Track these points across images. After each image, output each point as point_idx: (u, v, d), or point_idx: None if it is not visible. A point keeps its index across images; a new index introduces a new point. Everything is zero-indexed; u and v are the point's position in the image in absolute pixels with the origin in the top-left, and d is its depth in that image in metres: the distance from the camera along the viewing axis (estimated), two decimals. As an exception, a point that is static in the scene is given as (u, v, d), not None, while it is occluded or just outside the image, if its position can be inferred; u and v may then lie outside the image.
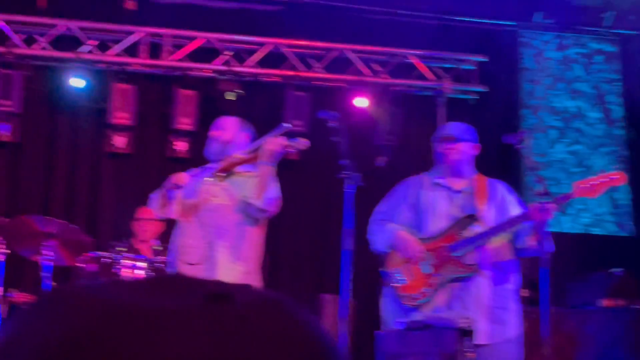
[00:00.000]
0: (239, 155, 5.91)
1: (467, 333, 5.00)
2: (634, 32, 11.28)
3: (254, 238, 5.91)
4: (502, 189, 5.77)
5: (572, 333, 8.29)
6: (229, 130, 6.06)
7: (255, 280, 5.85)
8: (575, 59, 11.42)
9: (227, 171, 5.90)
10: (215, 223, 5.79)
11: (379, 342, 5.30)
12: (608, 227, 11.08)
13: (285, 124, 5.95)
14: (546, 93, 11.29)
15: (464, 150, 5.71)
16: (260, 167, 5.72)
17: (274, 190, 5.79)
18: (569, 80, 11.36)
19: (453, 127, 5.79)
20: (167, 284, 0.93)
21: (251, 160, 5.87)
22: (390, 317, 5.58)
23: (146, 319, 0.84)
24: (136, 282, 0.95)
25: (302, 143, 5.85)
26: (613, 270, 9.09)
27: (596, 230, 11.02)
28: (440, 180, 5.73)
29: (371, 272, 10.02)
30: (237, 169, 5.91)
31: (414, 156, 10.51)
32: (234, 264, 5.76)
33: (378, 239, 5.74)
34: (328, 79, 10.47)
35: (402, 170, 10.19)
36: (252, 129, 6.18)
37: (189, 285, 0.91)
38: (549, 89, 11.31)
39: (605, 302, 8.60)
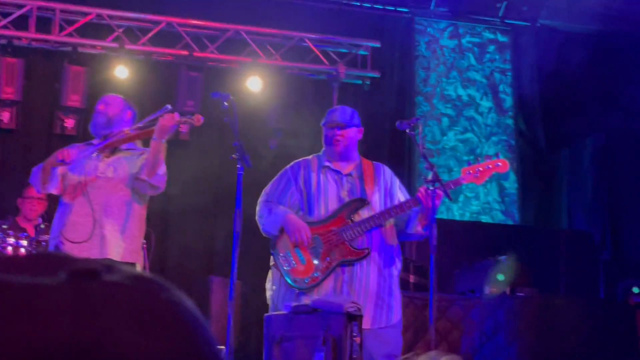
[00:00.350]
0: (126, 131, 5.83)
1: (355, 317, 5.00)
2: (526, 24, 11.45)
3: (140, 216, 5.86)
4: (387, 173, 5.81)
5: (458, 319, 8.39)
6: (114, 106, 5.97)
7: (139, 258, 5.82)
8: (468, 48, 11.55)
9: (113, 147, 5.82)
10: (102, 200, 5.70)
11: (266, 325, 5.27)
12: (496, 215, 11.25)
13: (169, 106, 5.87)
14: (439, 81, 11.39)
15: (351, 135, 5.73)
16: (152, 144, 5.66)
17: (164, 167, 5.74)
18: (462, 68, 11.48)
19: (341, 113, 5.77)
20: (38, 261, 0.89)
21: (138, 137, 5.83)
22: (279, 300, 5.56)
23: (8, 294, 0.82)
24: (6, 259, 0.91)
25: (197, 119, 5.80)
26: (499, 257, 9.23)
27: (485, 218, 11.19)
28: (329, 164, 5.73)
29: (263, 254, 10.04)
30: (122, 146, 5.84)
31: (307, 139, 10.51)
32: (122, 241, 5.71)
33: (267, 222, 5.71)
34: (222, 60, 10.38)
35: (294, 153, 10.20)
36: (136, 109, 6.10)
37: (59, 263, 0.88)
38: (443, 76, 11.42)
39: (491, 289, 8.73)
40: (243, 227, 5.74)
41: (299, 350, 5.06)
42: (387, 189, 5.72)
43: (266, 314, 5.40)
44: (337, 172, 5.71)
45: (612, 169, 11.03)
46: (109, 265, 0.87)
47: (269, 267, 9.95)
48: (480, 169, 5.65)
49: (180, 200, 10.12)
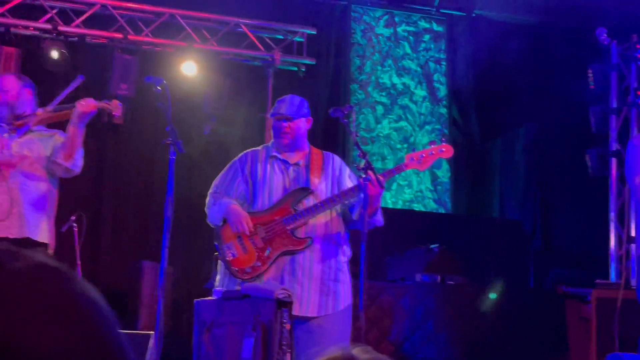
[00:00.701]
0: (40, 113, 5.81)
1: (285, 304, 5.01)
2: (461, 14, 11.53)
3: (54, 197, 5.88)
4: (337, 162, 5.80)
5: (388, 306, 8.45)
6: (11, 91, 5.91)
7: (52, 239, 5.82)
8: (404, 37, 11.60)
9: (20, 126, 5.80)
10: (19, 179, 5.70)
11: (197, 311, 5.26)
12: (428, 204, 11.33)
13: (81, 76, 5.84)
14: (374, 69, 11.43)
15: (299, 126, 5.71)
16: (70, 128, 5.66)
17: (82, 151, 5.74)
18: (397, 57, 11.53)
19: (288, 105, 5.74)
20: None
21: (52, 119, 5.81)
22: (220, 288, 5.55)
23: None
24: None
25: (115, 105, 5.78)
26: (431, 246, 9.31)
27: (417, 207, 11.26)
28: (277, 154, 5.72)
29: (196, 240, 10.01)
30: (35, 128, 5.84)
31: (242, 125, 10.49)
32: (39, 220, 5.74)
33: (212, 213, 5.69)
34: (157, 44, 10.30)
35: (229, 139, 10.20)
36: (33, 84, 6.04)
37: None
38: (378, 64, 11.46)
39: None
40: (176, 213, 5.73)
41: (228, 336, 5.06)
42: (335, 178, 5.71)
43: (196, 300, 5.39)
44: (284, 161, 5.70)
45: (544, 159, 11.16)
46: (14, 252, 0.86)
47: (201, 253, 9.94)
48: (424, 155, 5.66)
49: (113, 184, 10.06)
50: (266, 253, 5.51)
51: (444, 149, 5.71)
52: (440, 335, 8.49)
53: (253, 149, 5.90)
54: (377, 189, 5.35)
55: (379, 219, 5.58)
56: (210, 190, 5.79)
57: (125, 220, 10.19)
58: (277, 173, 5.67)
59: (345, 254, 5.69)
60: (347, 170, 5.76)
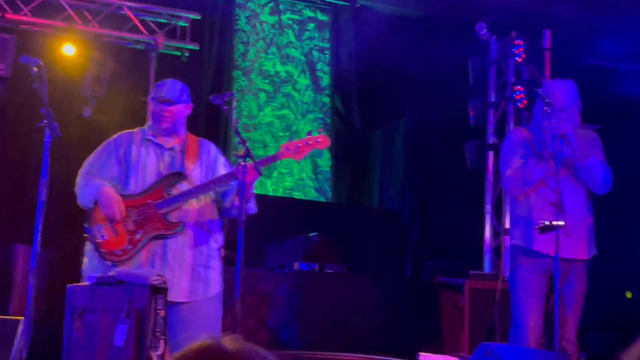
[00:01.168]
0: None
1: (159, 290, 4.97)
2: (346, 4, 11.58)
3: None
4: (212, 149, 5.79)
5: (267, 294, 8.45)
6: None
7: None
8: (288, 25, 11.60)
9: None
10: None
11: (69, 296, 5.18)
12: (309, 192, 11.37)
13: None
14: (258, 56, 11.41)
15: (179, 111, 5.68)
16: None
17: None
18: (281, 45, 11.53)
19: (170, 89, 5.69)
20: None
21: None
22: (91, 272, 5.47)
23: None
24: None
25: None
26: (310, 234, 9.35)
27: (298, 195, 11.29)
28: (152, 137, 5.67)
29: (72, 224, 9.85)
30: None
31: (123, 109, 10.36)
32: None
33: (83, 194, 5.60)
34: (36, 24, 10.08)
35: (108, 122, 10.05)
36: None
37: None
38: (262, 52, 11.44)
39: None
40: (52, 196, 5.62)
41: (101, 322, 4.99)
42: (210, 165, 5.70)
43: (69, 285, 5.31)
44: (160, 145, 5.65)
45: (423, 151, 11.30)
46: None
47: (78, 237, 9.76)
48: (300, 144, 5.67)
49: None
50: (137, 236, 5.46)
51: (320, 140, 5.74)
52: (319, 323, 8.54)
53: (129, 130, 5.83)
54: (252, 176, 5.35)
55: (252, 206, 5.59)
56: (82, 170, 5.70)
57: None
58: (151, 156, 5.63)
59: (217, 240, 5.68)
60: (221, 159, 5.75)
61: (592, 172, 6.10)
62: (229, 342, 1.52)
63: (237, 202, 5.52)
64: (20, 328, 5.60)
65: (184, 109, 5.70)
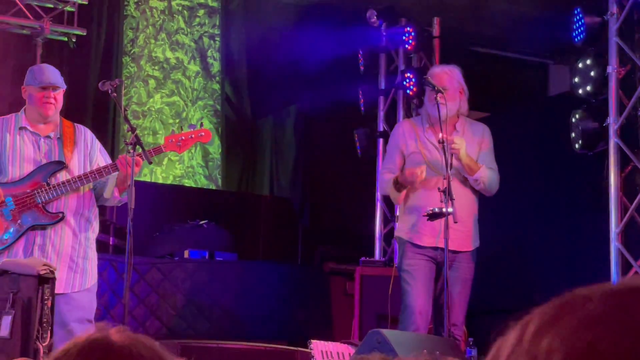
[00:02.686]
0: None
1: (47, 280, 4.90)
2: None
3: None
4: (88, 136, 5.73)
5: (157, 282, 8.39)
6: None
7: None
8: (178, 11, 11.50)
9: None
10: None
11: (-49, 287, 5.06)
12: (199, 180, 11.32)
13: None
14: (147, 42, 11.29)
15: (62, 97, 5.61)
16: None
17: None
18: (171, 31, 11.43)
19: (53, 74, 5.60)
20: None
21: None
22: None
23: None
24: None
25: None
26: (200, 222, 9.31)
27: (188, 182, 11.22)
28: (27, 125, 5.56)
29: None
30: None
31: (7, 96, 10.14)
32: None
33: None
34: None
35: (-7, 110, 9.83)
36: None
37: None
38: (151, 38, 11.32)
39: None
40: None
41: (-15, 314, 4.90)
42: (88, 152, 5.64)
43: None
44: (35, 134, 5.57)
45: (314, 138, 11.34)
46: None
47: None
48: (183, 137, 5.70)
49: None
50: (15, 226, 5.39)
51: (203, 134, 5.79)
52: (209, 311, 8.52)
53: (1, 117, 5.72)
54: (135, 168, 5.33)
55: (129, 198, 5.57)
56: None
57: None
58: (27, 145, 5.54)
59: (94, 230, 5.66)
60: (98, 145, 5.72)
61: (480, 183, 6.27)
62: (115, 334, 1.50)
63: (116, 194, 5.50)
64: None
65: (61, 96, 5.65)
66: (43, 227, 5.42)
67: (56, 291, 5.30)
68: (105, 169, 5.47)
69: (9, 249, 5.37)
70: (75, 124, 5.75)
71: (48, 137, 5.59)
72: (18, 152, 5.52)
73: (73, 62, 10.06)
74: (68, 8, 10.42)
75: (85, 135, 5.72)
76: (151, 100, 11.19)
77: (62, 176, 5.49)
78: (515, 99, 10.88)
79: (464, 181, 6.34)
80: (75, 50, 10.40)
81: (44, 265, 4.94)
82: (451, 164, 6.01)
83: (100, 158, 5.65)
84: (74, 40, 10.39)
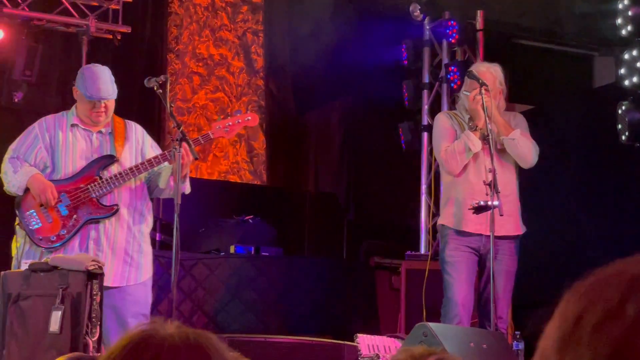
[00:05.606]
0: None
1: (95, 276, 4.95)
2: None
3: None
4: (139, 131, 5.79)
5: (203, 277, 8.43)
6: None
7: None
8: (221, 7, 11.54)
9: None
10: None
11: (2, 283, 5.13)
12: (244, 175, 11.35)
13: None
14: (191, 39, 11.34)
15: (112, 105, 5.67)
16: None
17: None
18: (214, 27, 11.47)
19: (104, 87, 5.62)
20: None
21: None
22: (23, 259, 5.44)
23: None
24: None
25: None
26: (245, 217, 9.34)
27: (232, 178, 11.27)
28: (79, 122, 5.63)
29: (9, 211, 9.73)
30: None
31: (54, 94, 10.25)
32: None
33: (12, 181, 5.55)
34: (-35, 7, 9.90)
35: (39, 108, 9.93)
36: None
37: None
38: (195, 35, 11.37)
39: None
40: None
41: (36, 309, 4.96)
42: (139, 147, 5.70)
43: (3, 271, 5.26)
44: (87, 130, 5.63)
45: (358, 133, 11.32)
46: None
47: (5, 224, 9.65)
48: (230, 123, 5.73)
49: None
50: (71, 221, 5.45)
51: (249, 118, 5.81)
52: (255, 306, 8.54)
53: (54, 115, 5.79)
54: (188, 158, 5.37)
55: (187, 186, 5.61)
56: (8, 155, 5.65)
57: None
58: (79, 141, 5.60)
59: (148, 224, 5.70)
60: (149, 139, 5.76)
61: (516, 144, 6.23)
62: (170, 327, 1.51)
63: (172, 183, 5.53)
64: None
65: (114, 99, 5.71)
66: (98, 221, 5.48)
67: (112, 284, 5.38)
68: (156, 159, 5.52)
69: (65, 244, 5.43)
70: (126, 120, 5.81)
71: (100, 132, 5.65)
72: (71, 149, 5.59)
73: (118, 60, 10.12)
74: (113, 6, 10.50)
75: (136, 130, 5.78)
76: (196, 96, 11.24)
77: (114, 170, 5.55)
78: (560, 91, 10.79)
79: (506, 165, 6.33)
80: (120, 48, 10.48)
81: (93, 260, 5.00)
82: (493, 154, 5.99)
83: (152, 152, 5.70)
84: (118, 37, 10.48)
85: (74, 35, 10.35)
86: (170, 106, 5.46)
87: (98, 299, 4.94)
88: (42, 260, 5.22)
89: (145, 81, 5.57)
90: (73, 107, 5.72)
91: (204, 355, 1.46)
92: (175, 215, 5.29)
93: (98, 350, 4.84)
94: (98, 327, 4.94)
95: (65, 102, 10.19)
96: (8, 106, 9.84)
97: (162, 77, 5.62)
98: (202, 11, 11.44)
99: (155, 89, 5.53)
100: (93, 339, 4.88)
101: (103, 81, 5.62)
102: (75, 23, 10.32)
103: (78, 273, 4.93)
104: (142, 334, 1.48)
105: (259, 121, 5.89)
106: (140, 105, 10.05)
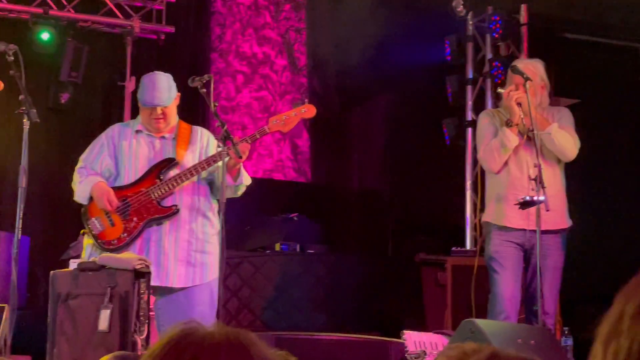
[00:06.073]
0: None
1: (142, 274, 4.99)
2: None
3: None
4: (204, 135, 5.84)
5: (249, 275, 8.46)
6: None
7: None
8: (264, 6, 11.56)
9: None
10: None
11: (52, 282, 5.19)
12: (288, 173, 11.37)
13: None
14: (235, 38, 11.37)
15: (172, 108, 5.71)
16: None
17: None
18: (257, 26, 11.49)
19: (161, 92, 5.65)
20: None
21: None
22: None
23: None
24: None
25: None
26: (290, 215, 9.35)
27: (277, 176, 11.28)
28: (142, 129, 5.69)
29: (55, 212, 9.82)
30: None
31: (101, 94, 10.34)
32: None
33: (78, 191, 5.67)
34: (11, 10, 10.01)
35: (86, 108, 10.03)
36: None
37: None
38: (238, 33, 11.40)
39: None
40: (33, 183, 5.65)
41: (84, 308, 5.00)
42: (203, 150, 5.74)
43: (52, 271, 5.32)
44: (150, 135, 5.69)
45: (402, 129, 11.30)
46: None
47: (60, 225, 9.75)
48: (286, 116, 5.73)
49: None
50: (132, 224, 5.52)
51: (306, 109, 5.79)
52: (301, 304, 8.56)
53: (120, 123, 5.90)
54: (242, 155, 5.41)
55: (243, 178, 5.66)
56: (77, 166, 5.75)
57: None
58: (142, 146, 5.67)
59: (214, 225, 5.71)
60: (214, 143, 5.76)
61: (552, 139, 6.19)
62: (211, 327, 1.51)
63: (230, 181, 5.56)
64: (4, 315, 5.60)
65: (174, 103, 5.74)
66: (159, 223, 5.53)
67: (176, 286, 5.42)
68: (212, 158, 5.55)
69: (127, 246, 5.50)
70: (193, 125, 5.85)
71: (163, 137, 5.70)
72: (134, 155, 5.66)
73: (162, 60, 10.18)
74: (157, 6, 10.57)
75: (202, 135, 5.82)
76: (239, 95, 11.27)
77: (174, 172, 5.60)
78: (606, 84, 10.71)
79: (549, 159, 6.29)
80: (164, 48, 10.55)
81: (140, 259, 5.03)
82: (539, 150, 5.96)
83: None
84: (162, 38, 10.54)
85: (118, 36, 10.43)
86: (214, 105, 5.47)
87: (145, 297, 4.98)
88: (89, 260, 5.27)
89: (189, 81, 5.59)
90: (139, 115, 5.79)
91: (244, 353, 1.47)
92: (221, 214, 5.31)
93: (147, 348, 4.87)
94: (146, 325, 4.97)
95: (110, 103, 10.29)
96: (55, 107, 9.93)
97: (205, 77, 5.64)
98: (245, 10, 11.46)
99: (199, 88, 5.55)
100: (141, 337, 4.92)
101: (158, 88, 5.65)
102: (119, 24, 10.41)
103: (125, 272, 4.97)
104: (182, 333, 1.49)
105: (315, 112, 5.85)
106: (184, 104, 10.08)
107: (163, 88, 5.66)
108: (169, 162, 5.63)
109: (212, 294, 5.60)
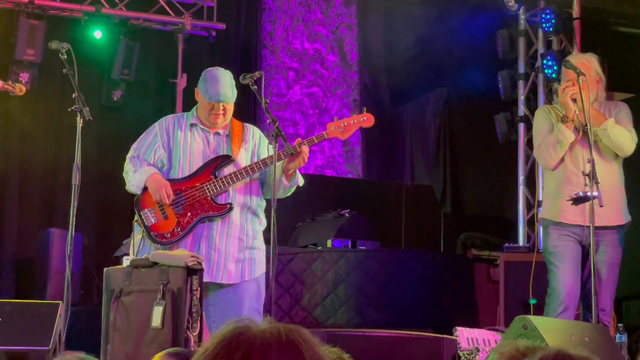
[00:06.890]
0: None
1: (195, 271, 5.01)
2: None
3: None
4: (256, 134, 5.85)
5: (300, 272, 8.47)
6: None
7: None
8: (315, 2, 11.56)
9: None
10: None
11: (106, 279, 5.23)
12: (340, 169, 11.37)
13: None
14: (286, 34, 11.39)
15: (231, 109, 5.73)
16: None
17: None
18: (308, 22, 11.50)
19: (226, 88, 5.67)
20: None
21: None
22: (140, 256, 5.55)
23: None
24: None
25: (19, 89, 5.84)
26: (342, 211, 9.34)
27: (328, 172, 11.29)
28: (198, 122, 5.71)
29: (108, 208, 9.92)
30: None
31: (152, 91, 10.41)
32: None
33: (132, 180, 5.67)
34: (64, 9, 10.10)
35: (138, 105, 10.10)
36: None
37: None
38: (289, 30, 11.41)
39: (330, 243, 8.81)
40: (86, 180, 5.69)
41: (138, 304, 5.04)
42: (255, 149, 5.76)
43: (106, 268, 5.36)
44: (205, 130, 5.71)
45: (454, 124, 11.26)
46: None
47: (113, 222, 9.84)
48: (345, 123, 5.75)
49: (20, 151, 9.87)
50: (186, 219, 5.54)
51: (365, 118, 5.81)
52: (352, 300, 8.55)
53: (174, 114, 5.91)
54: (301, 156, 5.45)
55: (297, 180, 5.70)
56: (129, 154, 5.76)
57: (32, 188, 10.00)
58: (197, 141, 5.69)
59: (261, 222, 5.75)
60: (265, 141, 5.78)
61: (608, 134, 6.13)
62: (263, 324, 1.51)
63: (285, 182, 5.59)
64: (59, 311, 5.66)
65: (233, 103, 5.77)
66: (210, 219, 5.56)
67: (226, 282, 5.46)
68: (269, 158, 5.57)
69: (179, 241, 5.52)
70: (245, 123, 5.87)
71: (217, 133, 5.72)
72: (188, 148, 5.67)
73: (213, 57, 10.22)
74: (207, 3, 10.61)
75: (254, 133, 5.84)
76: (290, 91, 11.29)
77: (229, 169, 5.61)
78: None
79: (606, 154, 6.22)
80: (215, 45, 10.59)
81: (192, 256, 5.05)
82: (592, 145, 5.90)
83: (267, 154, 5.74)
84: (213, 35, 10.58)
85: (169, 34, 10.49)
86: (265, 102, 5.48)
87: (198, 294, 5.00)
88: (143, 257, 5.30)
89: (241, 78, 5.60)
90: (194, 108, 5.80)
91: (296, 351, 1.47)
92: (272, 211, 5.33)
93: (199, 345, 4.89)
94: (198, 321, 4.99)
95: (161, 100, 10.35)
96: (107, 105, 10.02)
97: (256, 73, 5.65)
98: (295, 6, 11.48)
99: (250, 85, 5.57)
100: (194, 334, 4.94)
101: (223, 84, 5.66)
102: (171, 21, 10.46)
103: (178, 269, 4.99)
104: (235, 331, 1.49)
105: (373, 122, 5.87)
106: (236, 101, 10.12)
107: (227, 85, 5.68)
108: (225, 159, 5.65)
109: (259, 288, 5.65)
